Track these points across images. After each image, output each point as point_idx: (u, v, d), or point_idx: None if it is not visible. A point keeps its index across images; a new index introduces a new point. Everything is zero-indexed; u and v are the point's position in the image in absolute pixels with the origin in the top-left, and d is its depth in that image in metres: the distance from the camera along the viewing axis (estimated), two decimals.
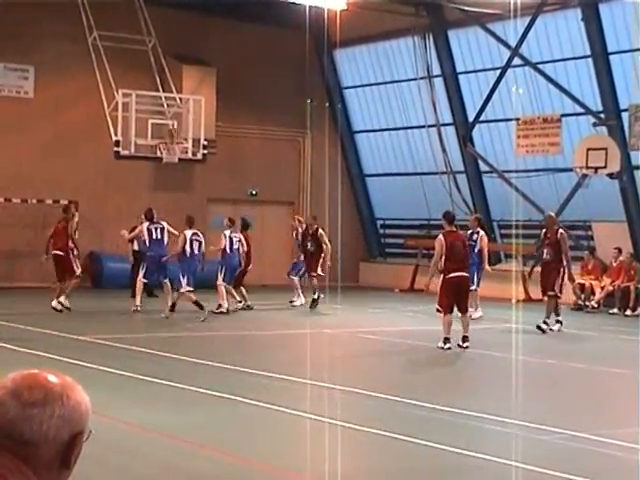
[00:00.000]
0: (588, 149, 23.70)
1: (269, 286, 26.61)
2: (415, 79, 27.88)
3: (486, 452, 8.24)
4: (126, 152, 23.22)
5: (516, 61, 25.47)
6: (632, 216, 24.31)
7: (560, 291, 18.06)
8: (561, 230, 18.40)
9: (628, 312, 22.58)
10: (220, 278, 20.37)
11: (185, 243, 19.51)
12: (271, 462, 8.14)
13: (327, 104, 29.24)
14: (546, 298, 18.23)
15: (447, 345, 14.91)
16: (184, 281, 19.24)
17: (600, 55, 23.90)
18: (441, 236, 15.42)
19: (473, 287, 18.71)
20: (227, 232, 20.73)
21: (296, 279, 22.33)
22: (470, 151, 27.37)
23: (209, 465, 8.09)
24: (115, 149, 23.16)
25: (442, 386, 12.51)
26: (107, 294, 21.01)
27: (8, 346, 14.00)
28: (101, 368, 12.31)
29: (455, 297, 15.17)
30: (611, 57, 23.94)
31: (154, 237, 20.14)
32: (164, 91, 24.84)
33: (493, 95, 26.20)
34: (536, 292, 25.13)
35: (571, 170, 24.68)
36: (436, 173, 27.64)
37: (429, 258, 28.14)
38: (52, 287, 23.49)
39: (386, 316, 21.47)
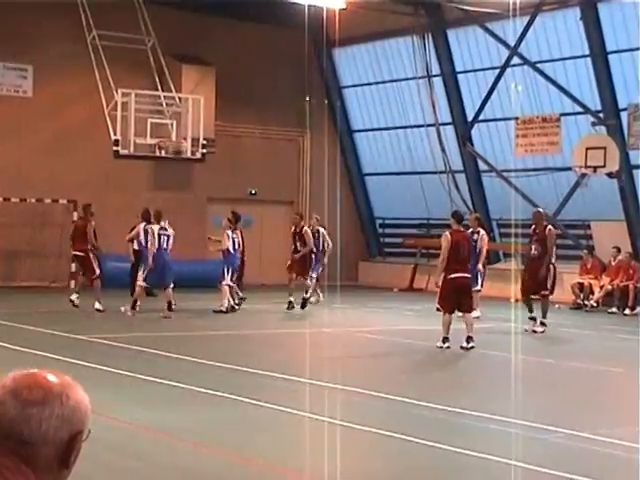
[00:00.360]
0: (587, 148, 23.71)
1: (268, 285, 26.60)
2: (414, 78, 27.88)
3: (486, 451, 8.25)
4: (125, 151, 23.23)
5: (515, 60, 25.48)
6: (631, 215, 24.32)
7: (552, 290, 17.89)
8: (550, 226, 18.15)
9: (627, 311, 22.59)
10: (227, 278, 20.30)
11: (153, 238, 19.40)
12: (272, 462, 8.15)
13: (326, 103, 29.23)
14: (538, 297, 18.00)
15: (446, 344, 14.87)
16: (141, 275, 19.27)
17: (599, 54, 23.91)
18: (448, 233, 15.36)
19: (477, 287, 18.67)
20: (229, 232, 20.65)
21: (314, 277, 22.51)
22: (469, 150, 27.38)
23: (210, 465, 8.09)
24: (114, 148, 23.16)
25: (443, 386, 12.52)
26: (107, 293, 20.98)
27: (8, 345, 14.00)
28: (101, 368, 12.31)
29: (456, 297, 15.11)
30: (610, 56, 23.96)
31: (163, 245, 20.24)
32: (163, 90, 24.84)
33: (492, 94, 26.22)
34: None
35: (570, 169, 24.69)
36: (435, 172, 27.65)
37: (428, 257, 28.23)
38: (51, 286, 23.56)
39: (385, 315, 21.48)
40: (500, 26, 25.17)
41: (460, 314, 15.39)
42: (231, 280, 20.42)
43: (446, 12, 26.91)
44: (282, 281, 23.02)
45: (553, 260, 17.83)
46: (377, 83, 29.77)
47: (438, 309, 15.34)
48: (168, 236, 19.69)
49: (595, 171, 23.67)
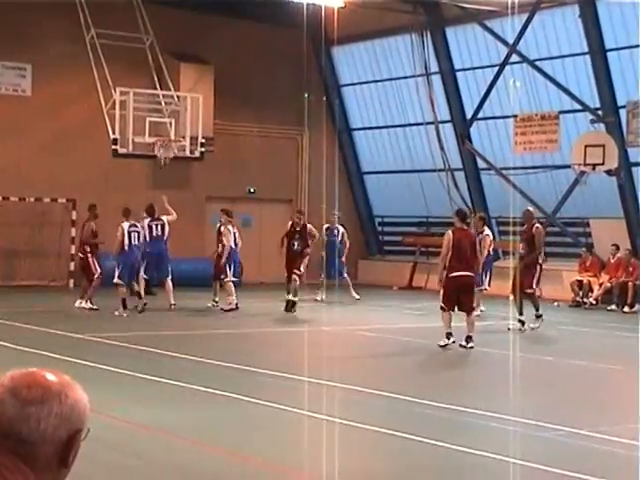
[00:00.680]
0: (586, 146, 23.69)
1: (267, 284, 26.60)
2: (413, 76, 27.86)
3: (487, 449, 8.25)
4: (124, 150, 23.23)
5: (514, 58, 25.47)
6: (630, 213, 24.32)
7: (536, 287, 17.66)
8: (537, 225, 17.96)
9: (626, 309, 22.59)
10: (230, 275, 20.29)
11: (123, 236, 19.36)
12: (272, 460, 8.14)
13: (325, 101, 29.21)
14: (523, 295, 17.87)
15: (451, 340, 14.78)
16: (116, 273, 19.25)
17: (598, 52, 23.91)
18: (450, 232, 15.27)
19: (482, 287, 18.67)
20: (230, 227, 20.62)
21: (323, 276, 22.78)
22: (468, 148, 27.38)
23: (209, 463, 8.09)
24: (113, 147, 23.16)
25: (443, 384, 12.52)
26: (106, 292, 20.99)
27: (7, 345, 13.99)
28: (101, 366, 12.31)
29: (458, 296, 15.01)
30: (609, 54, 23.95)
31: (154, 234, 20.21)
32: (162, 89, 24.83)
33: (491, 92, 26.21)
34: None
35: (569, 167, 24.69)
36: (434, 170, 27.64)
37: (427, 255, 28.24)
38: (51, 285, 23.55)
39: (385, 314, 21.48)
40: (499, 24, 25.17)
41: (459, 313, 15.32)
42: (234, 276, 20.38)
43: (445, 10, 26.90)
44: (281, 279, 23.00)
45: (540, 260, 17.62)
46: (376, 81, 29.76)
47: (442, 308, 15.16)
48: (139, 232, 19.64)
49: (594, 169, 23.66)
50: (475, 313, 19.27)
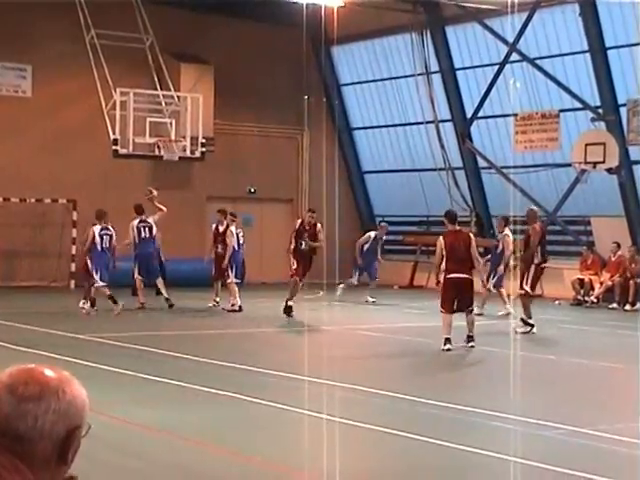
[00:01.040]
0: (586, 144, 23.68)
1: (269, 284, 26.59)
2: (413, 75, 27.85)
3: (489, 448, 8.24)
4: (124, 151, 23.22)
5: (514, 57, 25.46)
6: (631, 211, 24.31)
7: (531, 288, 17.35)
8: (535, 225, 17.59)
9: (627, 307, 22.59)
10: (232, 276, 20.27)
11: (94, 238, 19.37)
12: (274, 460, 8.14)
13: (325, 101, 29.21)
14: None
15: (447, 346, 14.61)
16: (97, 276, 19.22)
17: (598, 50, 23.89)
18: (441, 238, 15.20)
19: (501, 287, 18.88)
20: (233, 228, 20.60)
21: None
22: (468, 147, 27.37)
23: (211, 463, 8.08)
24: (113, 148, 23.16)
25: (445, 383, 12.51)
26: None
27: (8, 345, 13.99)
28: (102, 367, 12.31)
29: (456, 297, 14.90)
30: (609, 52, 23.93)
31: (142, 236, 20.29)
32: (162, 89, 24.82)
33: (491, 91, 26.20)
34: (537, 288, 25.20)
35: (570, 165, 24.68)
36: (434, 169, 27.63)
37: (428, 255, 28.21)
38: (51, 286, 23.56)
39: (386, 313, 21.47)
40: (499, 22, 25.14)
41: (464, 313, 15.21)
42: (236, 277, 20.35)
43: (444, 9, 26.89)
44: (282, 279, 23.02)
45: (536, 260, 17.30)
46: (376, 80, 29.75)
47: (442, 310, 15.06)
48: (110, 235, 19.62)
49: (595, 167, 23.65)
50: (477, 311, 19.25)
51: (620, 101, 23.84)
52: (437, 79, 27.73)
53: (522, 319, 17.22)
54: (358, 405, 10.40)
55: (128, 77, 24.44)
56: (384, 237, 24.32)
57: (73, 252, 25.78)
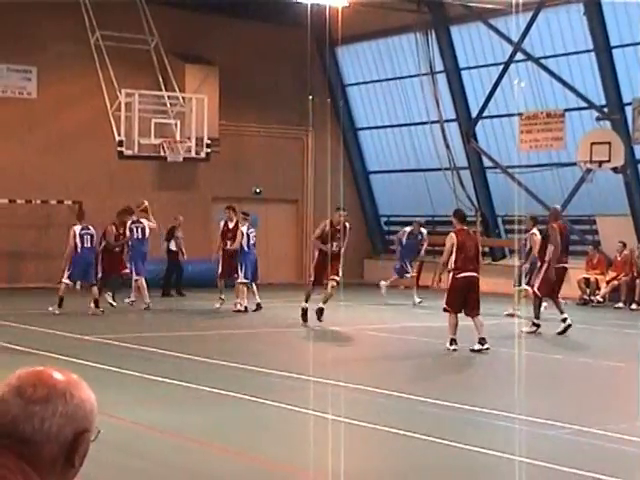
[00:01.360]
0: (592, 143, 23.66)
1: (274, 284, 26.59)
2: (418, 75, 27.84)
3: (494, 448, 8.22)
4: (130, 152, 23.22)
5: (519, 56, 25.45)
6: (636, 210, 24.28)
7: (539, 289, 17.21)
8: (553, 224, 17.43)
9: (634, 306, 22.56)
10: (241, 276, 20.18)
11: (75, 238, 19.40)
12: (280, 460, 8.14)
13: (330, 101, 29.21)
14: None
15: (453, 346, 14.49)
16: (67, 273, 19.41)
17: (603, 49, 23.87)
18: (453, 234, 14.93)
19: (535, 286, 17.97)
20: (244, 228, 20.48)
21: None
22: (473, 147, 27.35)
23: (216, 464, 8.08)
24: (118, 149, 23.16)
25: (450, 383, 12.50)
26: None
27: (13, 346, 14.00)
28: (106, 368, 12.31)
29: (464, 297, 14.72)
30: (614, 51, 23.91)
31: (135, 236, 20.43)
32: (167, 90, 24.83)
33: (496, 90, 26.18)
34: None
35: (575, 165, 24.66)
36: (439, 169, 27.62)
37: (434, 254, 28.16)
38: (57, 287, 23.54)
39: (392, 313, 21.45)
40: (503, 22, 25.13)
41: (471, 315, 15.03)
42: (245, 278, 20.22)
43: (449, 8, 26.88)
44: (288, 279, 23.04)
45: (544, 259, 17.16)
46: (380, 81, 29.75)
47: (445, 309, 14.90)
48: (91, 235, 19.63)
49: (600, 166, 23.63)
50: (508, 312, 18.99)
51: (625, 100, 23.82)
52: (442, 79, 27.71)
53: (533, 321, 17.11)
54: (363, 405, 10.39)
55: (133, 78, 24.46)
56: (420, 235, 23.99)
57: None
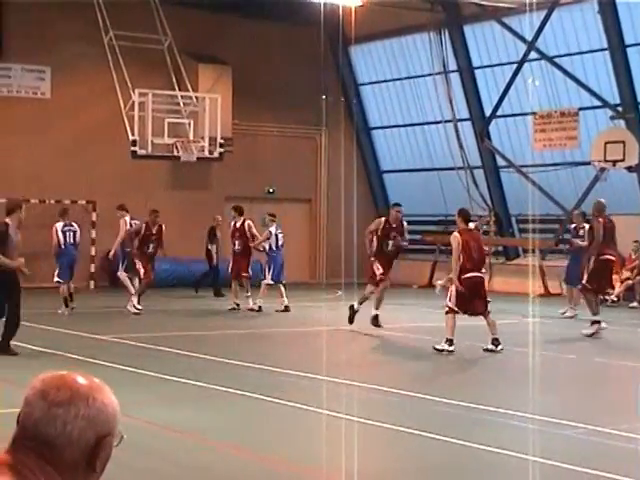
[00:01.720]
0: (606, 142, 23.58)
1: (287, 284, 26.52)
2: (431, 74, 27.81)
3: (508, 448, 8.20)
4: (143, 151, 23.28)
5: (532, 55, 25.38)
6: None
7: (588, 283, 16.77)
8: (598, 217, 16.94)
9: None
10: (268, 277, 20.13)
11: (57, 235, 19.45)
12: (293, 460, 8.13)
13: (343, 101, 29.20)
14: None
15: (452, 347, 14.22)
16: (56, 273, 19.46)
17: (617, 48, 23.79)
18: (457, 233, 14.69)
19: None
20: (272, 228, 20.46)
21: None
22: (487, 146, 27.30)
23: (230, 463, 8.08)
24: (132, 149, 23.21)
25: (463, 382, 12.47)
26: (126, 293, 21.15)
27: (27, 346, 14.03)
28: (121, 367, 12.33)
29: (471, 298, 14.55)
30: (628, 49, 23.83)
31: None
32: (180, 90, 24.88)
33: (510, 89, 26.12)
34: (555, 287, 25.08)
35: (589, 164, 24.58)
36: (453, 169, 27.58)
37: (447, 254, 28.09)
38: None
39: (404, 312, 21.42)
40: (517, 21, 25.07)
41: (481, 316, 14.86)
42: (272, 279, 20.16)
43: (463, 7, 26.84)
44: (301, 279, 23.03)
45: (590, 255, 16.85)
46: (394, 80, 29.72)
47: (449, 311, 14.56)
48: (74, 232, 19.65)
49: (614, 165, 23.55)
50: (569, 314, 18.79)
51: None
52: (455, 78, 27.67)
53: (592, 320, 16.67)
54: (376, 404, 10.38)
55: (146, 78, 24.50)
56: (485, 226, 22.48)
57: (92, 253, 25.87)
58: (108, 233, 25.00)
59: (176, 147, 23.71)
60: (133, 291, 19.91)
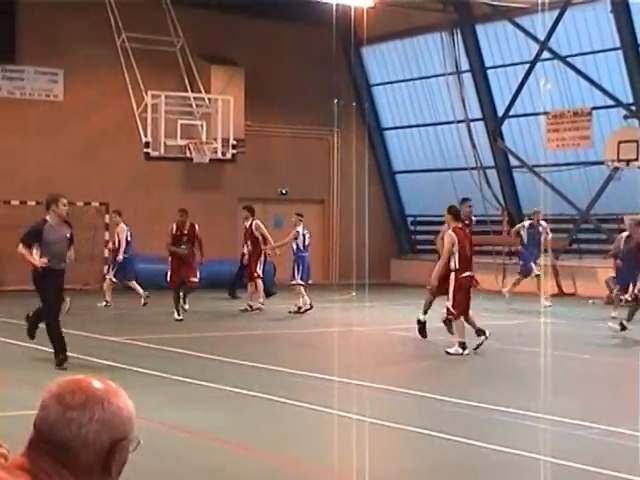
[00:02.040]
0: (619, 142, 23.52)
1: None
2: (444, 75, 27.78)
3: (520, 448, 8.18)
4: (156, 153, 23.31)
5: (545, 55, 25.33)
6: None
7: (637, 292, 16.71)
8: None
9: None
10: (298, 277, 20.15)
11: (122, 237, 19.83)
12: (304, 460, 8.13)
13: (355, 102, 29.18)
14: None
15: (466, 351, 14.11)
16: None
17: (630, 47, 23.72)
18: (452, 232, 14.37)
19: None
20: (300, 228, 20.44)
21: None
22: (500, 146, 27.25)
23: (241, 464, 8.08)
24: (145, 150, 23.25)
25: (475, 382, 12.45)
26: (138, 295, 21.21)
27: (40, 347, 14.06)
28: (132, 368, 12.35)
29: (469, 298, 14.36)
30: None
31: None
32: (193, 91, 24.91)
33: (522, 89, 26.08)
34: (568, 286, 25.02)
35: (602, 163, 24.52)
36: (466, 169, 27.53)
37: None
38: (84, 289, 23.64)
39: (416, 313, 21.34)
40: (529, 20, 25.02)
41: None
42: (301, 279, 20.16)
43: (475, 7, 26.80)
44: (314, 280, 22.88)
45: None
46: (406, 80, 29.69)
47: (451, 314, 14.37)
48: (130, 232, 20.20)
49: (628, 164, 23.48)
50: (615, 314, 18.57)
51: None
52: (468, 78, 27.64)
53: (621, 322, 16.55)
54: (387, 405, 10.37)
55: (159, 80, 24.55)
56: (541, 227, 21.43)
57: (105, 255, 25.92)
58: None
59: (189, 149, 23.73)
60: (142, 292, 20.29)
